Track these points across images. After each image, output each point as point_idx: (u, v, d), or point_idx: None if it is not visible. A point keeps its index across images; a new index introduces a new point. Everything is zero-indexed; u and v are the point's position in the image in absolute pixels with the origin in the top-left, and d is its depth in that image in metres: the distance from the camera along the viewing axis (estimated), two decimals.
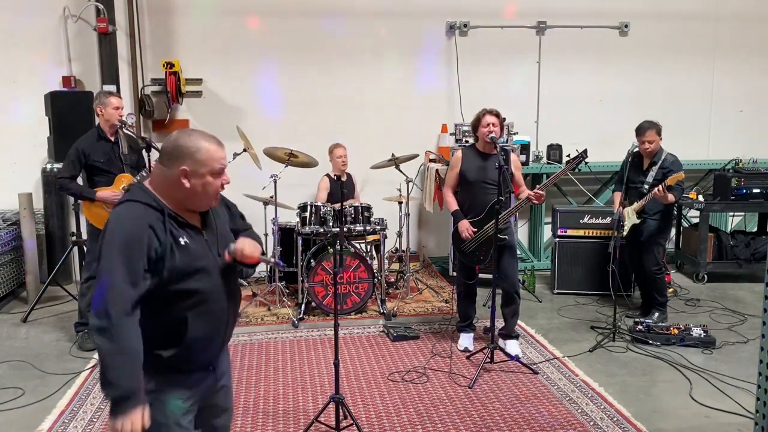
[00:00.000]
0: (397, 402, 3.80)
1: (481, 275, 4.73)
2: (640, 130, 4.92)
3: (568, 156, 4.39)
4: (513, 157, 4.52)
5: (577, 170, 4.41)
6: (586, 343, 4.71)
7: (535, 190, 4.22)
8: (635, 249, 5.11)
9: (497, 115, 4.34)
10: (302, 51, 6.58)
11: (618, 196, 5.08)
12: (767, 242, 6.26)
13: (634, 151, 4.98)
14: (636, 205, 4.96)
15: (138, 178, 4.70)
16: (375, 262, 5.58)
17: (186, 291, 2.06)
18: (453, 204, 4.52)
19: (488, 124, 4.32)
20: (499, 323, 4.58)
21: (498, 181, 4.16)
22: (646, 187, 4.94)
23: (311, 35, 6.58)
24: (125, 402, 1.91)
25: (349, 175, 5.99)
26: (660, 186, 4.72)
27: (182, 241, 2.05)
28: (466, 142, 6.27)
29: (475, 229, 4.37)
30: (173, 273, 2.01)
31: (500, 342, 4.55)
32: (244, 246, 2.18)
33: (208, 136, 2.11)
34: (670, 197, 4.75)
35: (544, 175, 6.55)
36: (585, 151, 4.26)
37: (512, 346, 4.50)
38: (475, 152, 4.48)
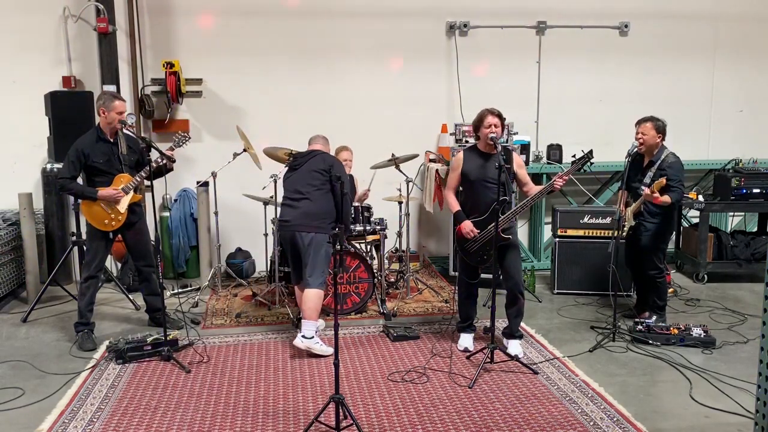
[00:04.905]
0: (397, 402, 3.80)
1: (482, 275, 4.72)
2: (638, 122, 4.89)
3: (574, 156, 4.38)
4: (515, 156, 4.50)
5: (582, 171, 4.41)
6: (586, 343, 4.71)
7: (557, 177, 4.26)
8: (634, 252, 5.07)
9: (499, 115, 4.33)
10: (302, 51, 6.58)
11: (622, 195, 5.05)
12: (767, 242, 6.26)
13: (635, 150, 4.93)
14: (633, 207, 4.94)
15: (137, 178, 4.70)
16: (375, 262, 5.58)
17: None
18: (455, 205, 4.52)
19: (490, 125, 4.31)
20: (501, 323, 4.57)
21: (498, 180, 4.17)
22: (643, 188, 4.84)
23: (311, 35, 6.58)
24: None
25: (350, 177, 5.98)
26: (648, 189, 4.65)
27: None
28: (466, 142, 6.27)
29: (479, 230, 4.37)
30: None
31: (504, 341, 4.55)
32: None
33: None
34: (664, 198, 4.62)
35: (544, 175, 6.56)
36: (591, 152, 4.25)
37: (514, 346, 4.51)
38: (477, 153, 4.47)
